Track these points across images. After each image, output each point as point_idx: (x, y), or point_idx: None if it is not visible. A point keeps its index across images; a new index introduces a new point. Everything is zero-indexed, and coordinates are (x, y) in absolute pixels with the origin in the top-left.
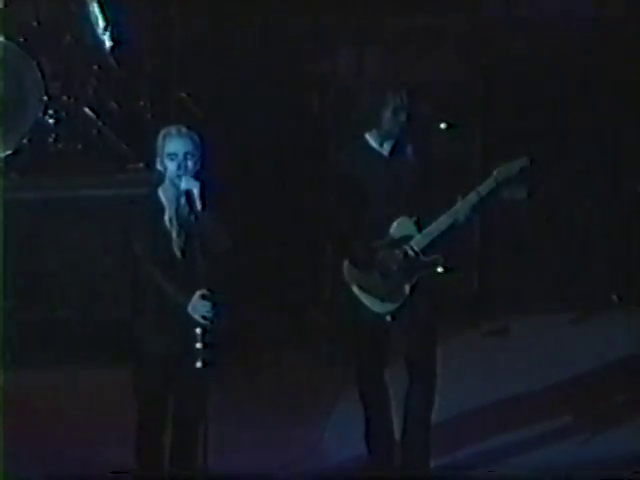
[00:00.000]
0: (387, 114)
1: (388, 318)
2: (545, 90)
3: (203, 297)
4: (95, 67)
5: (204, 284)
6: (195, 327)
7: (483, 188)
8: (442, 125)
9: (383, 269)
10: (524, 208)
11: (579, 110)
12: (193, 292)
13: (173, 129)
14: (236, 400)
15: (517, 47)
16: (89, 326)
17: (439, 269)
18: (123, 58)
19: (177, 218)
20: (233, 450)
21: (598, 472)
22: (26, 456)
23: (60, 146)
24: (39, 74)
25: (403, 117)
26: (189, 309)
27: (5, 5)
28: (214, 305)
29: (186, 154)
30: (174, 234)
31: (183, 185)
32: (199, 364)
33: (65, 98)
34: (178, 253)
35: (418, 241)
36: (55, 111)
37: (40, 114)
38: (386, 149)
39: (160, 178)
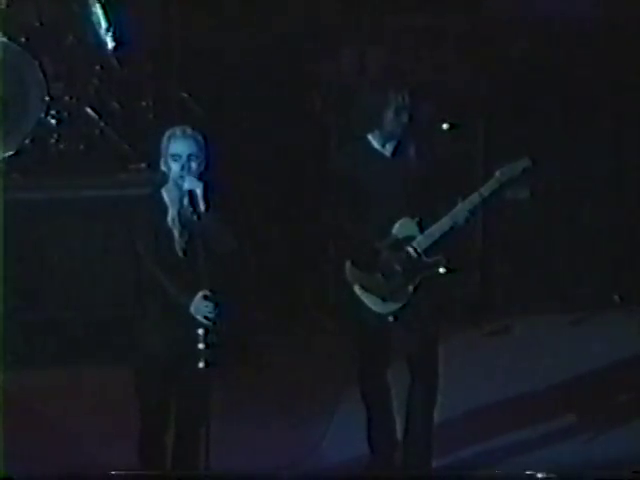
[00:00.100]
0: (389, 115)
1: (390, 318)
2: (547, 90)
3: (205, 298)
4: (97, 67)
5: (206, 284)
6: (197, 327)
7: (485, 189)
8: (444, 125)
9: (385, 270)
10: (526, 208)
11: (581, 110)
12: (195, 292)
13: (178, 130)
14: (238, 400)
15: (519, 47)
16: (91, 326)
17: (441, 270)
18: (125, 58)
19: (180, 218)
20: (235, 450)
21: (598, 472)
22: (26, 456)
23: (62, 146)
24: (41, 74)
25: (405, 118)
26: (191, 309)
27: (7, 5)
28: (216, 305)
29: (190, 155)
30: (176, 234)
31: (186, 185)
32: (201, 364)
33: (67, 98)
34: (180, 253)
35: (420, 242)
36: (57, 111)
37: (42, 114)
38: (388, 150)
39: (164, 178)
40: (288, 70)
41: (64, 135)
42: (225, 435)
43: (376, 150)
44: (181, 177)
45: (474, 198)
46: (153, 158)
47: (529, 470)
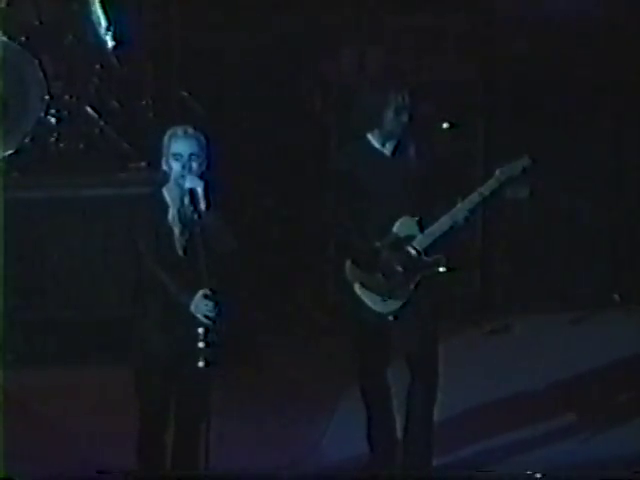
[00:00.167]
0: (389, 114)
1: (390, 318)
2: (547, 90)
3: (206, 296)
4: (97, 66)
5: (207, 283)
6: (197, 326)
7: (485, 188)
8: (444, 125)
9: (385, 269)
10: (526, 207)
11: (580, 109)
12: (196, 291)
13: (179, 130)
14: (238, 399)
15: (519, 46)
16: (91, 325)
17: (441, 269)
18: (125, 57)
19: (180, 217)
20: (235, 449)
21: (598, 472)
22: (26, 456)
23: (62, 145)
24: (41, 73)
25: (405, 117)
26: (192, 308)
27: (7, 4)
28: (216, 304)
29: (191, 155)
30: (177, 233)
31: (187, 184)
32: (201, 363)
33: (67, 97)
34: (181, 252)
35: (420, 241)
36: (57, 110)
37: (42, 113)
38: (388, 149)
39: (165, 178)
40: (288, 70)
41: (64, 134)
42: (225, 434)
43: (376, 149)
44: (182, 176)
45: (474, 197)
46: (153, 157)
47: (529, 469)
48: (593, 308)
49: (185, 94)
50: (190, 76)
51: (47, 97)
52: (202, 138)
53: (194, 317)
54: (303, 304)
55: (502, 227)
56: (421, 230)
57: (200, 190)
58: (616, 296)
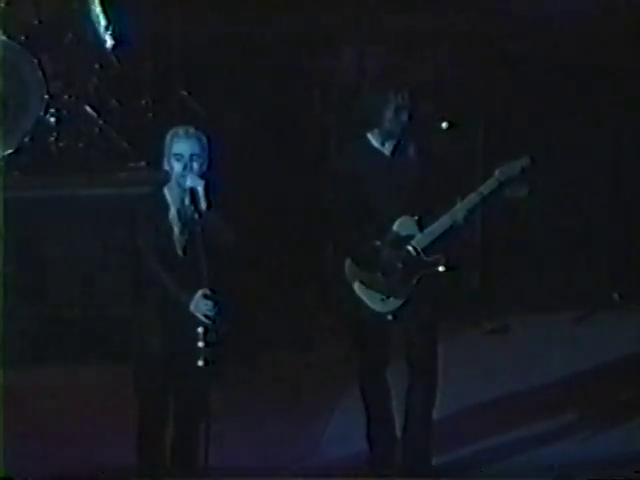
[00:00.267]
0: (389, 114)
1: (389, 317)
2: (546, 89)
3: (205, 296)
4: (96, 66)
5: (206, 283)
6: (197, 326)
7: (485, 188)
8: (443, 124)
9: (385, 268)
10: (525, 207)
11: (580, 109)
12: (195, 291)
13: (181, 130)
14: (238, 398)
15: (518, 46)
16: (90, 325)
17: (440, 268)
18: (124, 57)
19: (181, 216)
20: (235, 448)
21: (598, 472)
22: (26, 456)
23: (61, 145)
24: (40, 73)
25: (405, 117)
26: (191, 307)
27: (6, 4)
28: (216, 304)
29: (192, 155)
30: (177, 232)
31: (188, 183)
32: (201, 362)
33: (66, 97)
34: (180, 251)
35: (419, 240)
36: (56, 110)
37: (41, 113)
38: (388, 149)
39: (167, 177)
40: (288, 69)
41: (63, 133)
42: (224, 433)
43: (375, 149)
44: (183, 176)
45: (473, 197)
46: (152, 156)
47: (528, 469)
48: (593, 308)
49: (184, 94)
50: (189, 76)
51: (46, 96)
52: (203, 138)
53: (194, 316)
54: (303, 303)
55: (501, 227)
56: (420, 229)
57: (201, 189)
58: (616, 296)
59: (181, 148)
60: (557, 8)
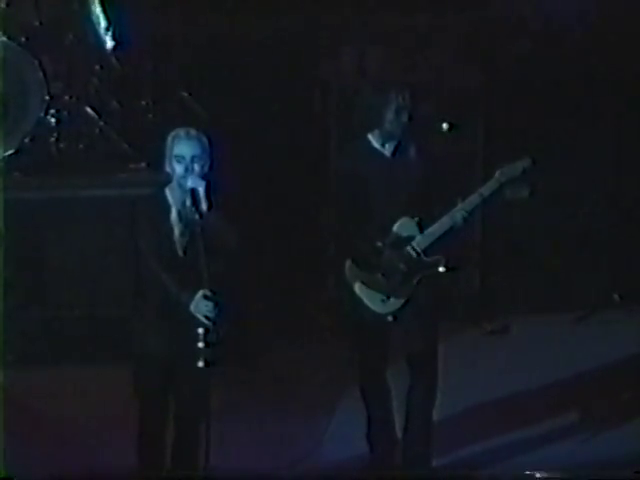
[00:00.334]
0: (389, 114)
1: (390, 318)
2: (547, 90)
3: (206, 297)
4: (97, 67)
5: (207, 284)
6: (196, 326)
7: (485, 189)
8: (444, 125)
9: (385, 269)
10: (526, 208)
11: (581, 110)
12: (196, 291)
13: (182, 132)
14: (238, 399)
15: (519, 47)
16: (91, 325)
17: (441, 269)
18: (125, 58)
19: (181, 217)
20: (235, 449)
21: (598, 472)
22: (26, 456)
23: (62, 146)
24: (41, 74)
25: (405, 117)
26: (192, 308)
27: (7, 4)
28: (216, 305)
29: (193, 157)
30: (177, 233)
31: (189, 184)
32: (201, 363)
33: (67, 98)
34: (181, 252)
35: (420, 241)
36: (57, 111)
37: (42, 114)
38: (388, 150)
39: (168, 179)
40: (289, 70)
41: (64, 134)
42: (225, 434)
43: (376, 150)
44: (184, 178)
45: (474, 198)
46: (153, 157)
47: (528, 469)
48: (593, 308)
49: (185, 94)
50: (190, 76)
51: (47, 97)
52: (204, 140)
53: (194, 317)
54: (303, 304)
55: (502, 227)
56: (421, 231)
57: (202, 190)
58: (616, 296)
59: (182, 150)
60: (558, 8)
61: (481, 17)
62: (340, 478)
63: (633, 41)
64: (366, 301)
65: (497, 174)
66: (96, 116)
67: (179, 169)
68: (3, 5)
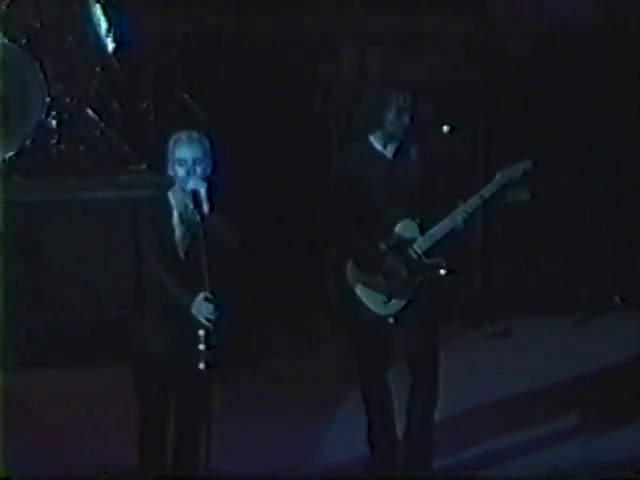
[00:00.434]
0: (390, 115)
1: (391, 320)
2: (548, 92)
3: (207, 299)
4: (98, 69)
5: (208, 286)
6: (197, 328)
7: (486, 191)
8: (444, 128)
9: (386, 271)
10: (527, 210)
11: (582, 111)
12: (197, 293)
13: (183, 135)
14: (238, 401)
15: (520, 48)
16: (92, 327)
17: (442, 271)
18: (126, 60)
19: (183, 220)
20: (235, 451)
21: (599, 472)
22: (27, 457)
23: (63, 147)
24: (42, 75)
25: (407, 118)
26: (193, 310)
27: (7, 6)
28: (217, 307)
29: (195, 160)
30: (179, 235)
31: (190, 185)
32: (202, 365)
33: (68, 99)
34: (182, 254)
35: (421, 243)
36: (58, 112)
37: (43, 115)
38: (390, 151)
39: (171, 181)
40: (290, 72)
41: (64, 136)
42: (225, 436)
43: (378, 151)
44: (186, 181)
45: (475, 200)
46: (154, 159)
47: (530, 471)
48: (593, 310)
49: (186, 96)
50: (191, 78)
51: (48, 99)
52: (206, 142)
53: (195, 319)
54: (304, 306)
55: (503, 229)
56: (422, 232)
57: (203, 191)
58: (617, 298)
59: (184, 153)
60: (559, 10)
61: (482, 18)
62: None
63: (634, 41)
64: (367, 303)
65: (498, 176)
66: (97, 118)
67: (181, 172)
68: (4, 7)
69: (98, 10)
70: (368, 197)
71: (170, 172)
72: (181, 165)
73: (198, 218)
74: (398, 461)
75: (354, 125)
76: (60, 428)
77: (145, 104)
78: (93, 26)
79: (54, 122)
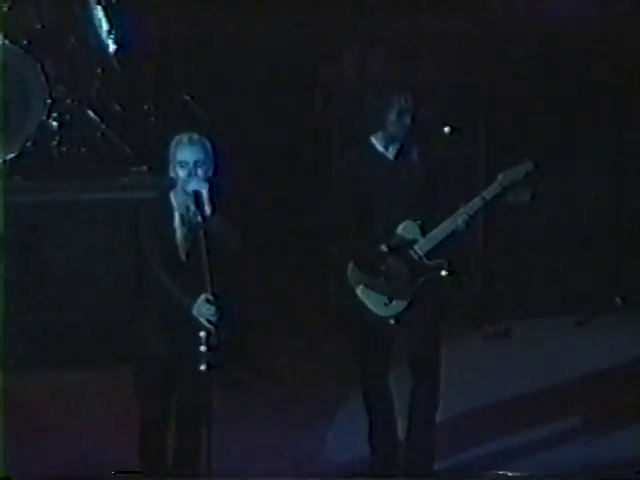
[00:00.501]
0: (392, 116)
1: (392, 321)
2: (549, 93)
3: (208, 301)
4: (99, 70)
5: (209, 287)
6: (198, 330)
7: (488, 193)
8: (445, 129)
9: (388, 272)
10: (528, 211)
11: (583, 113)
12: (198, 295)
13: (185, 137)
14: (240, 403)
15: (522, 49)
16: (93, 328)
17: (443, 272)
18: (127, 61)
19: (184, 221)
20: (237, 453)
21: (599, 472)
22: (26, 456)
23: (64, 149)
24: (43, 77)
25: (408, 120)
26: (194, 312)
27: (9, 8)
28: (218, 308)
29: (196, 162)
30: (180, 237)
31: (191, 186)
32: (203, 367)
33: (69, 101)
34: (183, 256)
35: (422, 245)
36: (59, 114)
37: (44, 117)
38: (391, 153)
39: (173, 183)
40: (291, 73)
41: (66, 137)
42: (226, 437)
43: (379, 153)
44: (188, 183)
45: (476, 202)
46: (155, 161)
47: (530, 472)
48: (594, 311)
49: (187, 98)
50: (192, 80)
51: (49, 101)
52: (208, 144)
53: (196, 321)
54: (306, 307)
55: (504, 231)
56: (423, 234)
57: (205, 192)
58: (617, 299)
59: (185, 155)
60: (559, 10)
61: (484, 19)
62: None
63: (634, 41)
64: (368, 304)
65: (499, 178)
66: (98, 119)
67: (183, 174)
68: (5, 8)
69: (99, 12)
70: (369, 198)
71: (171, 174)
72: (182, 167)
73: (199, 219)
74: (399, 462)
75: (355, 126)
76: (60, 428)
77: (146, 106)
78: (94, 28)
79: (55, 123)
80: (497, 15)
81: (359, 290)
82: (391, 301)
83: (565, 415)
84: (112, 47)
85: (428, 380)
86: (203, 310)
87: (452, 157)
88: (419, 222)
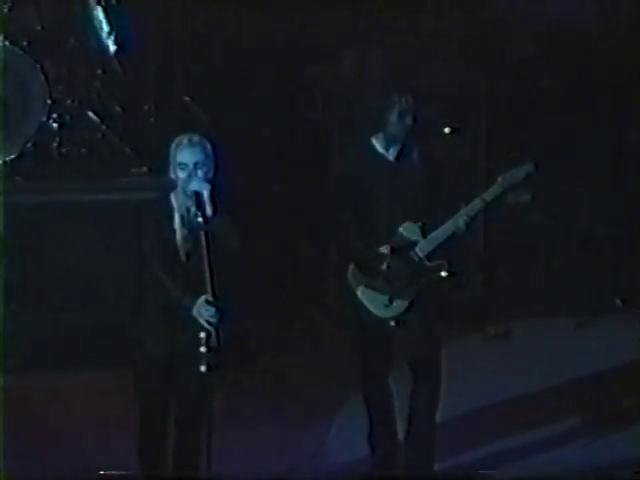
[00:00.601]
0: (392, 117)
1: (392, 323)
2: (550, 94)
3: (207, 302)
4: (99, 71)
5: (209, 288)
6: (198, 331)
7: (488, 194)
8: (446, 130)
9: (388, 274)
10: (528, 212)
11: (583, 113)
12: (198, 296)
13: (185, 139)
14: (239, 404)
15: (522, 50)
16: (93, 329)
17: (443, 274)
18: (127, 62)
19: (184, 222)
20: (236, 454)
21: (599, 473)
22: (26, 456)
23: (64, 150)
24: (43, 78)
25: (409, 120)
26: (194, 313)
27: (9, 9)
28: (218, 309)
29: (196, 164)
30: (181, 238)
31: (192, 187)
32: (203, 368)
33: (69, 102)
34: (183, 257)
35: (423, 246)
36: (59, 115)
37: (44, 118)
38: (392, 154)
39: (173, 184)
40: (291, 74)
41: (66, 139)
42: (226, 438)
43: (380, 154)
44: (188, 184)
45: (477, 203)
46: (155, 162)
47: (530, 473)
48: (595, 313)
49: (187, 99)
50: (192, 81)
51: (49, 101)
52: (208, 145)
53: (196, 322)
54: (306, 308)
55: (504, 232)
56: (424, 235)
57: (205, 193)
58: (618, 301)
59: (185, 157)
60: (560, 10)
61: (484, 19)
62: None
63: (634, 42)
64: (369, 305)
65: (500, 179)
66: (98, 120)
67: (183, 176)
68: (5, 9)
69: (99, 12)
70: (370, 199)
71: (172, 175)
72: (182, 169)
73: (200, 220)
74: (399, 463)
75: (356, 127)
76: (60, 428)
77: (146, 107)
78: (94, 28)
79: (55, 124)
80: (497, 15)
81: (359, 291)
82: (391, 302)
83: (565, 416)
84: (112, 48)
85: (428, 381)
86: (203, 311)
87: (452, 158)
88: (420, 224)
